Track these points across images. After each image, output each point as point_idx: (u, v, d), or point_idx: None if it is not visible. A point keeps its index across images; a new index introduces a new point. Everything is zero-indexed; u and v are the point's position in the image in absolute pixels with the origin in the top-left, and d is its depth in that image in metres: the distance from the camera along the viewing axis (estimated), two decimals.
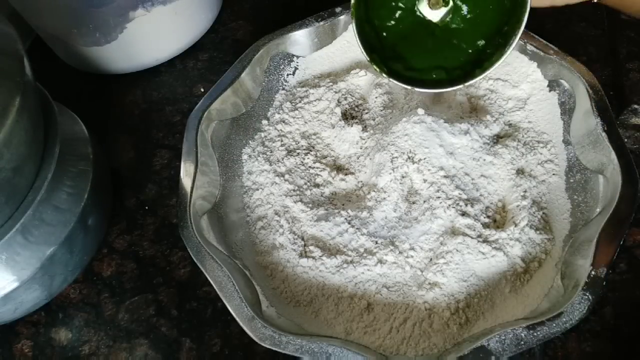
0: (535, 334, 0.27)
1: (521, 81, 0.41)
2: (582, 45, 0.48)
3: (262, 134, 0.42)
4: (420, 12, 0.35)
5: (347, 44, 0.45)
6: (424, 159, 0.36)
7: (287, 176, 0.38)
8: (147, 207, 0.42)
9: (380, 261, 0.33)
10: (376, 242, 0.34)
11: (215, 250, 0.32)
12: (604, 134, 0.34)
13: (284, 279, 0.34)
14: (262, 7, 0.57)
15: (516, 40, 0.32)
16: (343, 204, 0.37)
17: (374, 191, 0.36)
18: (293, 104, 0.42)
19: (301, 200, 0.37)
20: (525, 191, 0.35)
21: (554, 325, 0.27)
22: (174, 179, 0.44)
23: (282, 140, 0.40)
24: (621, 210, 0.30)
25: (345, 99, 0.42)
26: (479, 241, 0.33)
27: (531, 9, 0.31)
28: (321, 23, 0.43)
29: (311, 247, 0.34)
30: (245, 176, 0.40)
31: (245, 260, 0.35)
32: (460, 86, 0.35)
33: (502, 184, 0.36)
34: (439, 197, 0.35)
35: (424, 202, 0.35)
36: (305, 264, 0.34)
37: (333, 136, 0.40)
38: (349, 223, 0.35)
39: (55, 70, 0.53)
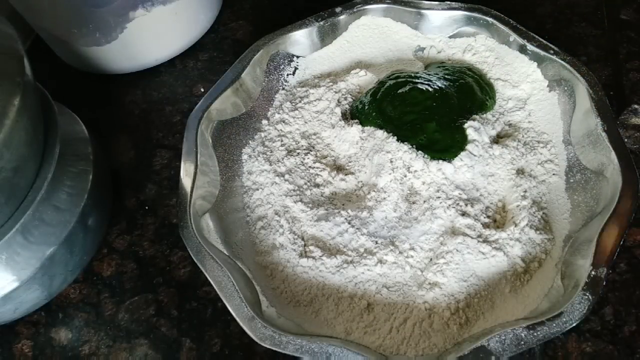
0: (535, 334, 0.27)
1: (521, 81, 0.41)
2: (582, 45, 0.48)
3: (262, 134, 0.42)
4: None
5: (347, 44, 0.45)
6: (424, 158, 0.36)
7: (287, 176, 0.38)
8: (147, 207, 0.42)
9: (380, 261, 0.33)
10: (376, 242, 0.34)
11: (215, 250, 0.32)
12: (604, 134, 0.34)
13: (284, 279, 0.34)
14: (262, 7, 0.57)
15: None
16: (343, 204, 0.37)
17: (374, 191, 0.36)
18: (293, 104, 0.42)
19: (301, 200, 0.37)
20: (525, 191, 0.35)
21: (554, 325, 0.27)
22: (174, 179, 0.44)
23: (282, 140, 0.40)
24: (621, 210, 0.30)
25: (345, 99, 0.42)
26: (479, 241, 0.33)
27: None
28: (321, 23, 0.43)
29: (311, 247, 0.34)
30: (245, 176, 0.40)
31: (245, 260, 0.35)
32: None
33: (502, 184, 0.36)
34: (439, 197, 0.35)
35: (424, 202, 0.35)
36: (305, 264, 0.34)
37: (333, 136, 0.40)
38: (349, 223, 0.35)
39: (55, 70, 0.53)
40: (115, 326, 0.37)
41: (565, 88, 0.38)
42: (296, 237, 0.35)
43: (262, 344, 0.28)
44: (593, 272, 0.28)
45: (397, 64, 0.45)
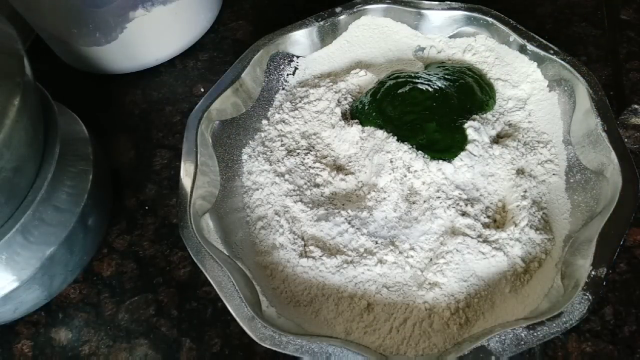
0: (535, 334, 0.27)
1: (521, 81, 0.41)
2: (582, 45, 0.48)
3: (262, 134, 0.42)
4: None
5: (347, 44, 0.45)
6: (424, 158, 0.36)
7: (287, 176, 0.38)
8: (147, 207, 0.42)
9: (380, 261, 0.33)
10: (376, 242, 0.34)
11: (215, 250, 0.32)
12: (604, 134, 0.34)
13: (284, 279, 0.34)
14: (262, 7, 0.57)
15: None
16: (343, 204, 0.37)
17: (374, 191, 0.36)
18: (293, 104, 0.42)
19: (301, 200, 0.37)
20: (525, 191, 0.35)
21: (554, 325, 0.27)
22: (174, 179, 0.44)
23: (282, 140, 0.40)
24: (621, 210, 0.30)
25: (345, 99, 0.42)
26: (479, 241, 0.33)
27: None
28: (321, 23, 0.43)
29: (311, 247, 0.34)
30: (245, 176, 0.40)
31: (245, 260, 0.35)
32: None
33: (502, 184, 0.36)
34: (439, 197, 0.35)
35: (424, 202, 0.35)
36: (305, 264, 0.34)
37: (333, 136, 0.40)
38: (349, 223, 0.35)
39: (55, 70, 0.53)
40: (115, 326, 0.37)
41: (565, 88, 0.38)
42: (296, 237, 0.35)
43: (262, 344, 0.28)
44: (593, 272, 0.28)
45: (397, 64, 0.45)
